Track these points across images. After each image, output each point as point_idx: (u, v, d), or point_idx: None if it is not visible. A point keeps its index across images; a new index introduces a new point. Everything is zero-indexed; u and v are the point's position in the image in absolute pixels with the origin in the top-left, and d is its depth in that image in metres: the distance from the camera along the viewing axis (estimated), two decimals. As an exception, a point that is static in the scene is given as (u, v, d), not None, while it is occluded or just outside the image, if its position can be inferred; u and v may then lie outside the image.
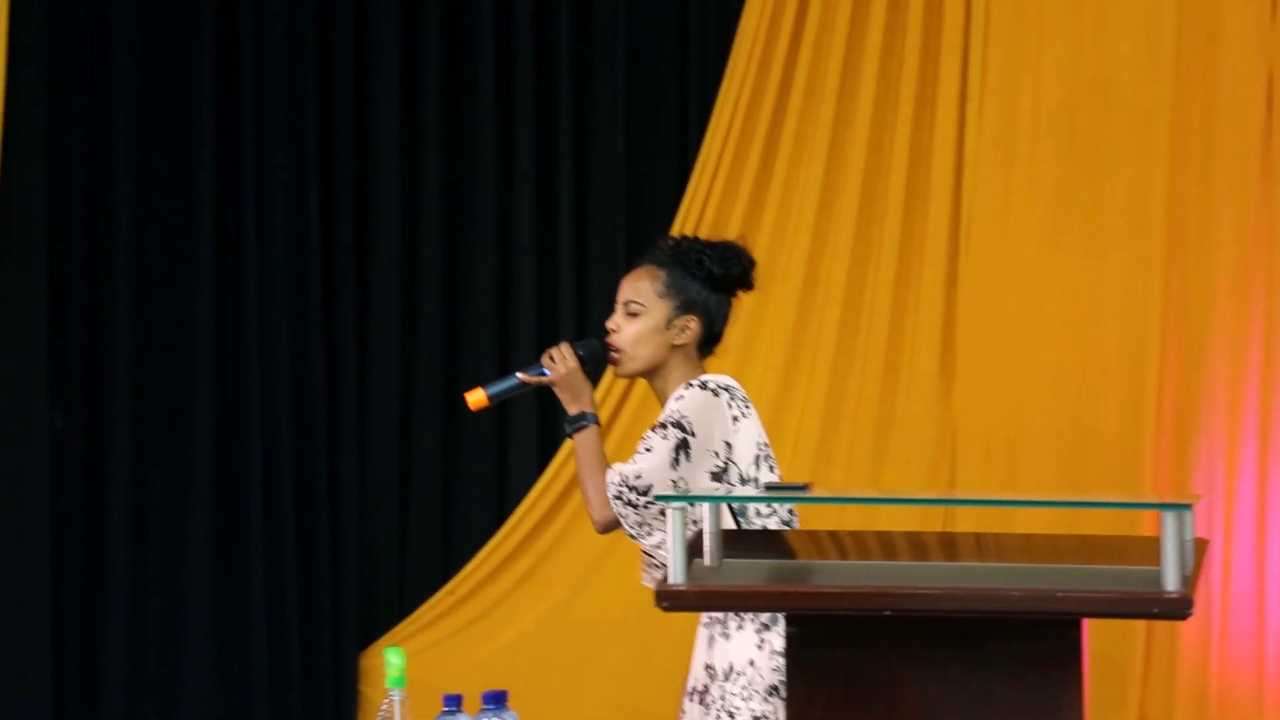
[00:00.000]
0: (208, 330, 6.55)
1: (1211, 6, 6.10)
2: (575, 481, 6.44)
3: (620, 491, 4.37)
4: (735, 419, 4.47)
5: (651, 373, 4.53)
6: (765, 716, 4.38)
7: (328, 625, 6.58)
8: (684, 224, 6.37)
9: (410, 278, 6.69)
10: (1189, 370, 6.10)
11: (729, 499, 4.35)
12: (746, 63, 6.38)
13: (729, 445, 4.44)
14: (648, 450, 4.38)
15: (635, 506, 4.36)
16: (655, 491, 4.37)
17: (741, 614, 4.41)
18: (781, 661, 4.40)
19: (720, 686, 4.40)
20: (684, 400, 4.42)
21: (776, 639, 4.41)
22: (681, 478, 4.39)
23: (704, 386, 4.45)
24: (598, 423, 4.48)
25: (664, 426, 4.41)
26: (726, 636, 4.42)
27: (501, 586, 6.57)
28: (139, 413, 6.53)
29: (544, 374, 4.48)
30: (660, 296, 4.51)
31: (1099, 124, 6.16)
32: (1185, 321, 6.11)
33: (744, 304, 6.30)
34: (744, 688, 4.39)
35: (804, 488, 4.54)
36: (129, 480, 6.51)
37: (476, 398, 4.46)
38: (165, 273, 6.57)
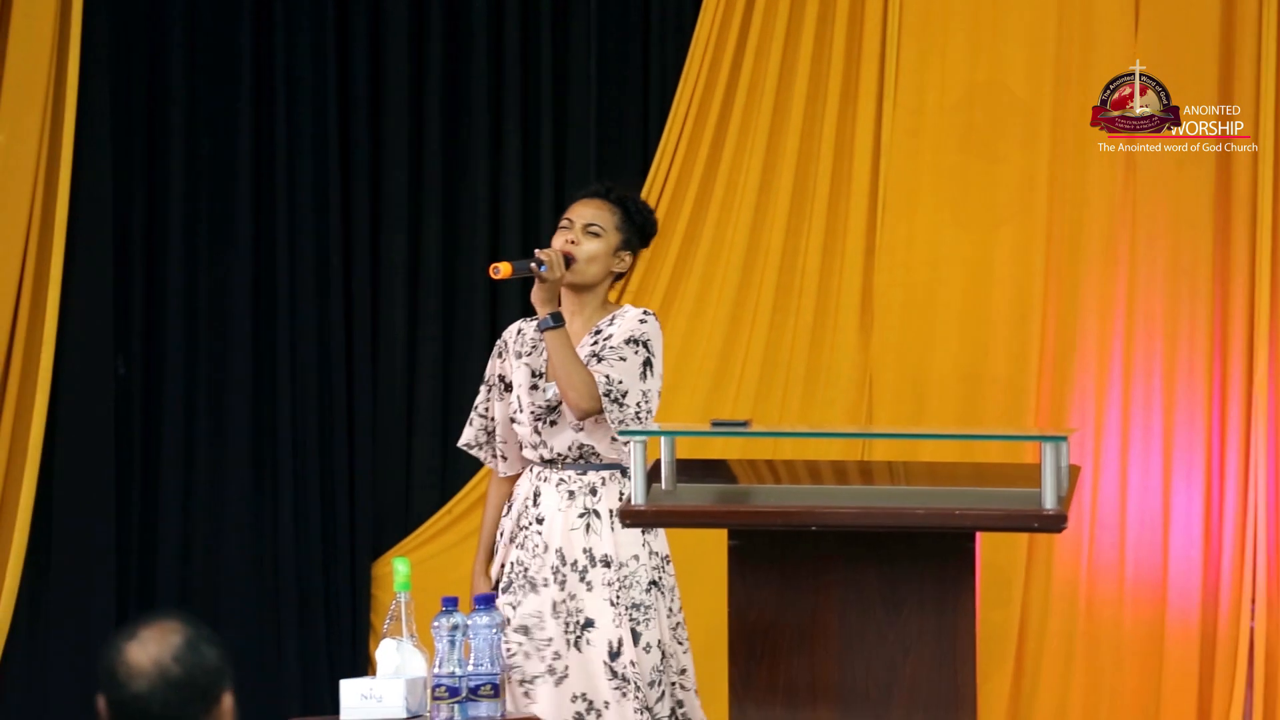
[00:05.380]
0: (244, 288, 6.64)
1: (1084, 18, 6.23)
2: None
3: (609, 389, 4.43)
4: None
5: (584, 289, 4.57)
6: (645, 605, 4.47)
7: (344, 538, 6.62)
8: (647, 200, 6.41)
9: (413, 242, 6.75)
10: (1065, 326, 6.22)
11: (684, 433, 4.42)
12: (699, 66, 6.48)
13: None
14: (622, 360, 4.45)
15: (620, 405, 4.43)
16: (631, 398, 4.42)
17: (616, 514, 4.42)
18: (661, 560, 4.52)
19: (600, 573, 4.46)
20: (647, 325, 4.52)
21: (655, 541, 4.50)
22: (648, 390, 4.48)
23: (656, 318, 4.58)
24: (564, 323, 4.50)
25: (635, 343, 4.48)
26: (612, 529, 4.48)
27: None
28: (188, 361, 6.62)
29: (543, 268, 4.47)
30: (614, 228, 4.60)
31: (992, 119, 6.28)
32: (1062, 285, 6.24)
33: (695, 266, 6.53)
34: (624, 578, 4.46)
35: (745, 424, 4.79)
36: (180, 419, 6.59)
37: (504, 269, 4.46)
38: (211, 244, 6.66)
